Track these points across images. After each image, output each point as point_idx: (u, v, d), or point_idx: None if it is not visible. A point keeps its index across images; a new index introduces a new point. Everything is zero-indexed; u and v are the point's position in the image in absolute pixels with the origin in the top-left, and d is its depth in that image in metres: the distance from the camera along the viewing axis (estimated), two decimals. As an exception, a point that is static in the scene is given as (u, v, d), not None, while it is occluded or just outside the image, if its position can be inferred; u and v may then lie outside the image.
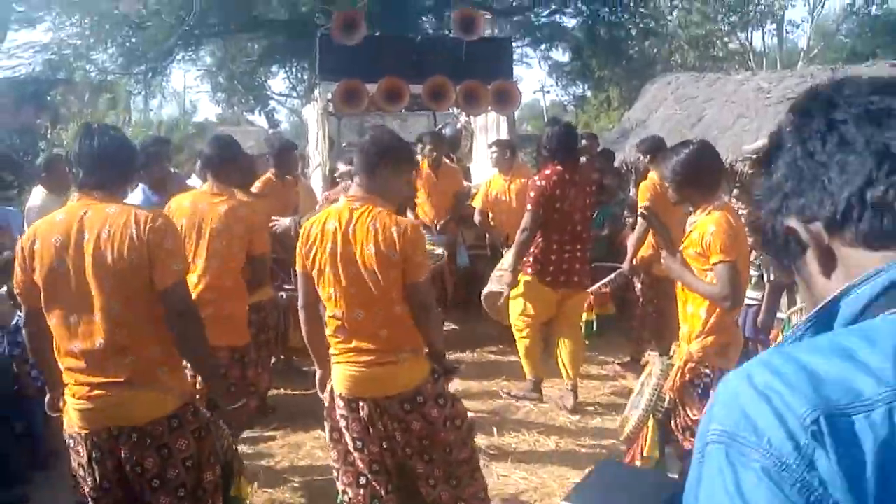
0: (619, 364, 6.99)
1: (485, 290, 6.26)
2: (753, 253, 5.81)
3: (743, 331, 5.31)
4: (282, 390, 6.19)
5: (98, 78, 19.57)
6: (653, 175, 6.49)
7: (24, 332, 3.30)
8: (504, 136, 8.76)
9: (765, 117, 13.37)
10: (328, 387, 3.53)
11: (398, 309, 3.31)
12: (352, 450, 3.46)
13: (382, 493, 3.48)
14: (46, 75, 19.78)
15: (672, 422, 3.82)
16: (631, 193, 8.24)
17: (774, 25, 29.77)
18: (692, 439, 3.53)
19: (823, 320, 0.93)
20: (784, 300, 6.79)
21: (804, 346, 0.88)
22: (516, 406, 5.99)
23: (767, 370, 0.84)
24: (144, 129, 14.72)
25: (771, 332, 5.98)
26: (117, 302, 2.93)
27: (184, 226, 4.24)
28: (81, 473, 3.08)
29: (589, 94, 28.81)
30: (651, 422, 3.83)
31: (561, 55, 28.59)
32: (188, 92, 32.96)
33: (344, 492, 3.58)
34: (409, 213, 7.25)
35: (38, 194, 6.24)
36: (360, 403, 3.37)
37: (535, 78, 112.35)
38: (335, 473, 3.62)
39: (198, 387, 3.83)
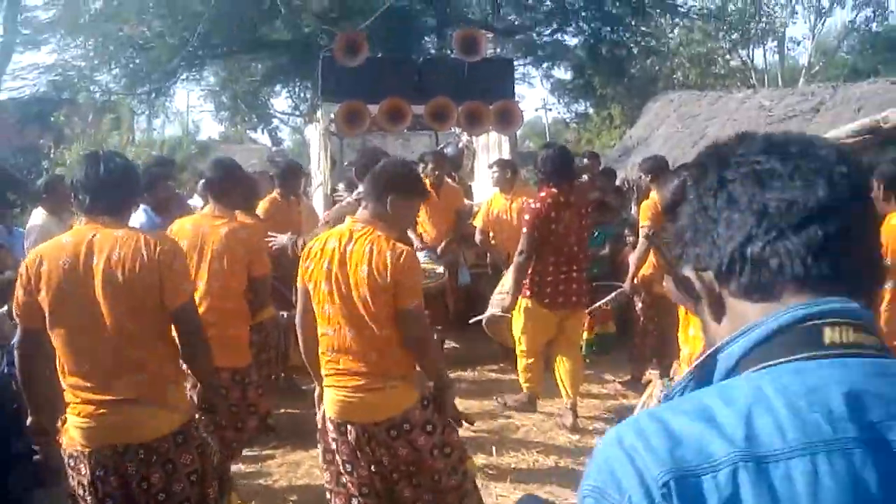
0: (620, 383, 6.99)
1: (486, 314, 6.30)
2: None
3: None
4: (282, 409, 6.19)
5: (102, 98, 19.70)
6: (654, 194, 6.51)
7: (16, 353, 3.33)
8: (506, 155, 8.79)
9: (766, 135, 13.43)
10: (321, 409, 3.53)
11: (387, 333, 3.29)
12: (342, 472, 3.47)
13: None
14: (50, 96, 19.93)
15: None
16: (632, 212, 8.25)
17: (776, 43, 29.95)
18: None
19: (704, 373, 1.00)
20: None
21: (673, 406, 0.95)
22: (516, 425, 5.99)
23: (634, 432, 0.91)
24: (147, 148, 14.78)
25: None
26: (128, 321, 3.00)
27: (185, 248, 4.26)
28: (81, 492, 3.10)
29: (591, 111, 28.87)
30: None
31: (563, 73, 28.75)
32: (191, 111, 33.09)
33: None
34: (411, 233, 7.27)
35: (38, 215, 6.29)
36: (349, 427, 3.37)
37: (537, 96, 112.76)
38: (328, 495, 3.63)
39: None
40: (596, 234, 7.24)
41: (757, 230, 0.98)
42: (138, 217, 5.45)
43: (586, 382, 6.50)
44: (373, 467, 3.41)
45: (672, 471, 0.86)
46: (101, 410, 3.02)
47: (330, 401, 3.41)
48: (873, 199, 1.09)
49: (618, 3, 22.93)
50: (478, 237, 7.37)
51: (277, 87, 27.82)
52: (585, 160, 8.70)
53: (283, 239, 5.65)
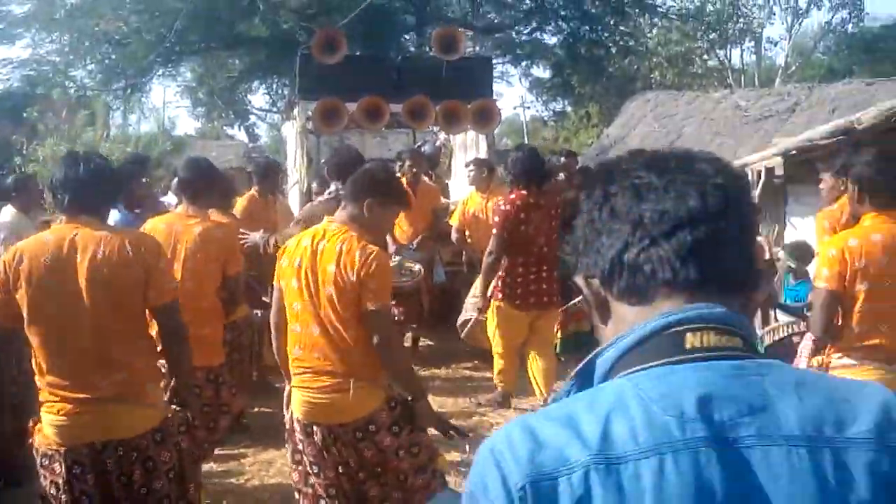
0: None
1: (460, 318, 6.33)
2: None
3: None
4: (255, 408, 6.16)
5: (76, 94, 19.51)
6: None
7: None
8: (483, 153, 8.80)
9: (742, 135, 13.53)
10: (289, 410, 3.52)
11: (353, 333, 3.26)
12: (310, 472, 3.45)
13: None
14: (24, 91, 19.70)
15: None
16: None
17: (753, 43, 30.07)
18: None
19: (586, 377, 1.08)
20: (758, 318, 6.85)
21: (545, 412, 1.02)
22: (490, 423, 6.00)
23: (504, 438, 0.98)
24: (122, 145, 14.60)
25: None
26: (111, 319, 3.04)
27: (159, 247, 4.24)
28: (54, 492, 3.08)
29: (569, 109, 28.99)
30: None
31: (541, 72, 28.87)
32: (167, 107, 32.84)
33: None
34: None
35: (7, 212, 6.21)
36: (315, 428, 3.36)
37: (516, 94, 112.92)
38: (297, 495, 3.61)
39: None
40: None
41: (633, 238, 1.05)
42: (112, 215, 5.40)
43: (560, 380, 6.52)
44: (340, 468, 3.40)
45: (530, 475, 0.93)
46: (81, 408, 3.02)
47: (297, 401, 3.40)
48: (754, 207, 1.19)
49: (597, 3, 23.05)
50: (454, 236, 7.38)
51: (255, 84, 27.75)
52: (563, 158, 8.72)
53: (255, 237, 5.63)
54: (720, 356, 0.99)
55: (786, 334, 5.80)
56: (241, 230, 5.51)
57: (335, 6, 19.42)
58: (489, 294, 6.02)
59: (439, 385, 6.73)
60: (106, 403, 3.03)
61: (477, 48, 25.09)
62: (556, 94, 29.70)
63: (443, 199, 8.34)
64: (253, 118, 33.91)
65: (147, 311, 3.21)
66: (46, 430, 3.07)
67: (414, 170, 7.59)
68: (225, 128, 33.00)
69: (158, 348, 3.36)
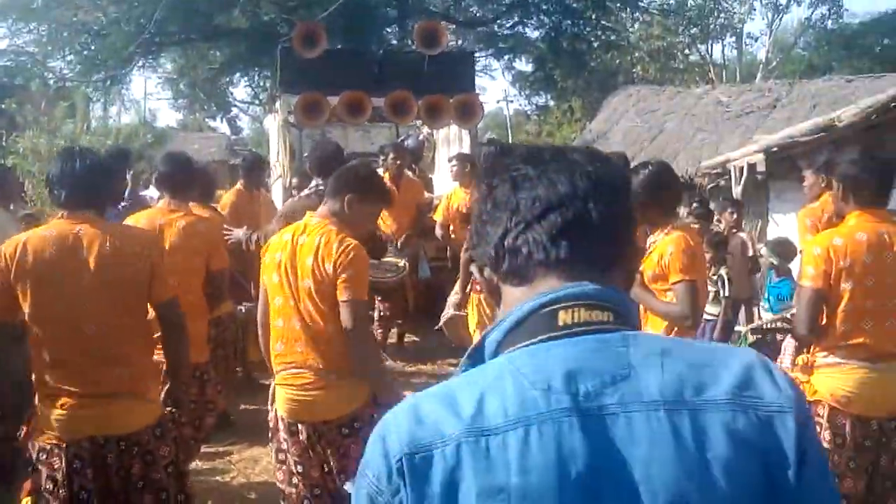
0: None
1: (443, 317, 6.33)
2: (712, 269, 5.89)
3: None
4: (241, 406, 6.13)
5: (56, 85, 19.30)
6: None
7: None
8: (466, 148, 8.79)
9: (724, 131, 13.59)
10: (273, 408, 3.49)
11: (332, 328, 3.21)
12: (294, 472, 3.42)
13: None
14: (2, 82, 19.47)
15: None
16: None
17: (734, 38, 30.27)
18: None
19: (478, 357, 1.12)
20: (742, 315, 6.89)
21: (430, 391, 1.08)
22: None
23: (392, 416, 1.06)
24: (103, 137, 14.46)
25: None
26: (116, 315, 3.07)
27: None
28: (50, 486, 3.06)
29: (552, 104, 29.00)
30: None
31: (524, 65, 28.84)
32: (148, 99, 32.65)
33: None
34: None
35: (-16, 205, 6.12)
36: (300, 427, 3.33)
37: (499, 87, 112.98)
38: (282, 495, 3.58)
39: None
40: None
41: (510, 224, 1.13)
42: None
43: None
44: (325, 467, 3.38)
45: (408, 448, 1.00)
46: (84, 403, 3.04)
47: (281, 399, 3.37)
48: (630, 194, 1.24)
49: (579, -3, 23.04)
50: (438, 231, 7.37)
51: (236, 76, 27.51)
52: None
53: (238, 233, 5.59)
54: (590, 330, 1.05)
55: (769, 328, 5.85)
56: (225, 227, 5.47)
57: (316, -2, 19.29)
58: (468, 289, 6.03)
59: (424, 381, 6.72)
60: (108, 398, 3.05)
61: (459, 42, 25.05)
62: (538, 88, 29.71)
63: (426, 194, 8.33)
64: (235, 110, 33.74)
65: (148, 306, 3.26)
66: (46, 424, 3.07)
67: (397, 163, 7.57)
68: (207, 120, 32.83)
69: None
